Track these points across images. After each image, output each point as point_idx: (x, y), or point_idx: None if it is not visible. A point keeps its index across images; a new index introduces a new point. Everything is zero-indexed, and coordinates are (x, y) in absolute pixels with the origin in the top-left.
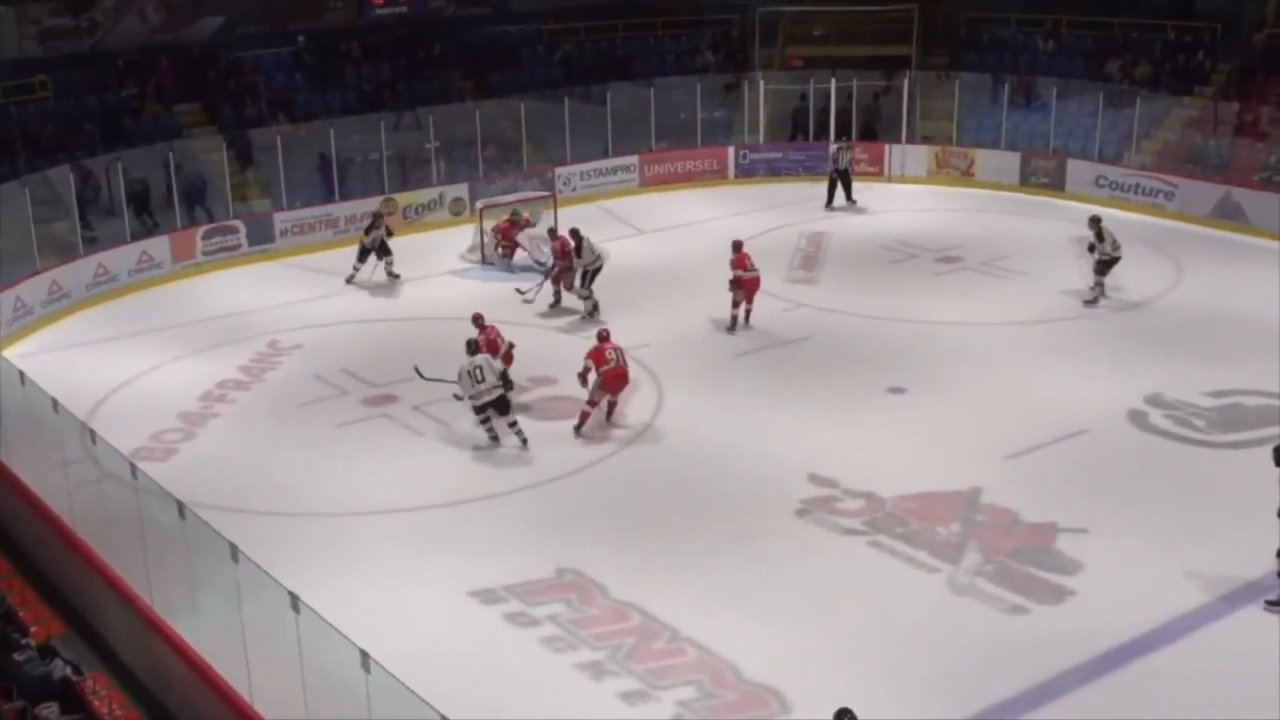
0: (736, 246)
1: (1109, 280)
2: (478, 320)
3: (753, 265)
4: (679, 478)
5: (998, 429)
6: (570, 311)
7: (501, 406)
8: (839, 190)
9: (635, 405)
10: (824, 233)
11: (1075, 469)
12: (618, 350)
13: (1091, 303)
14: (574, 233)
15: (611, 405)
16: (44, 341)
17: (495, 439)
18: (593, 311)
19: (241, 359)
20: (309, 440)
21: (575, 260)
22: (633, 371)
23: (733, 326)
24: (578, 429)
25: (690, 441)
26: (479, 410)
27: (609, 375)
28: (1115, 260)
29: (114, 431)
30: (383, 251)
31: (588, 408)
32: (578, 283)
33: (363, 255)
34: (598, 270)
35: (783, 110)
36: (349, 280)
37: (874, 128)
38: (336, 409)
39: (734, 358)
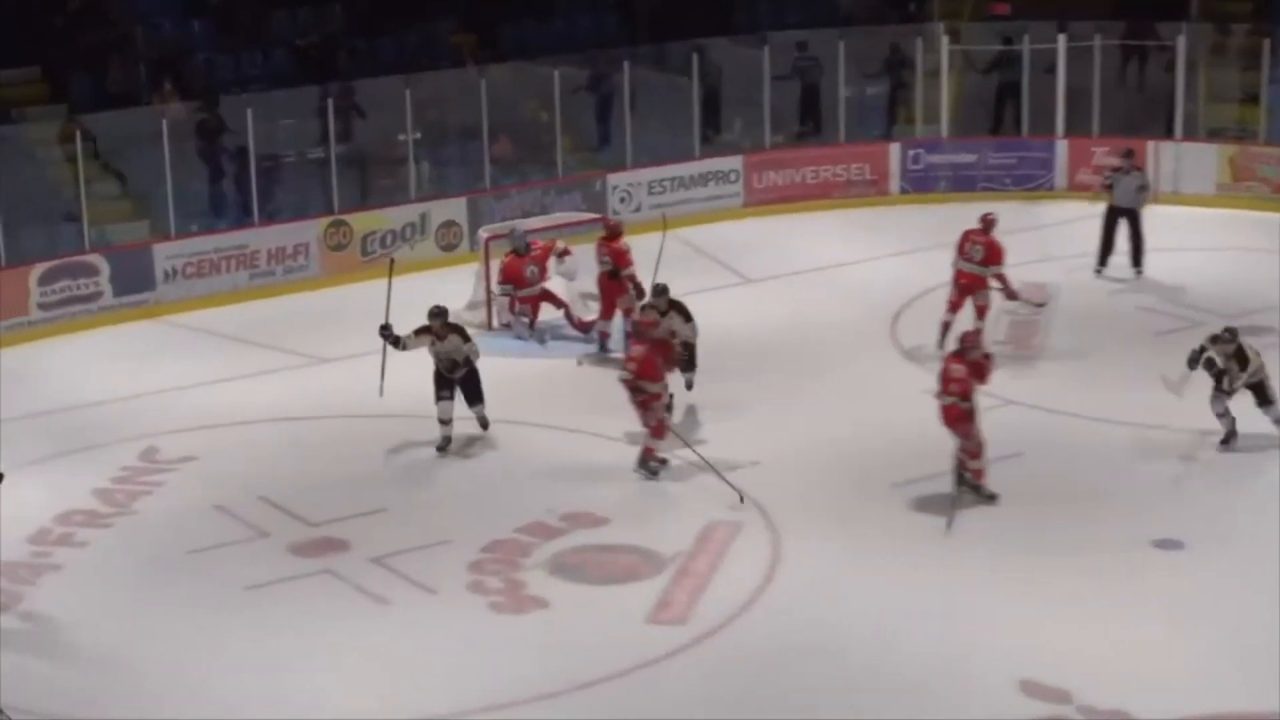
0: (984, 224)
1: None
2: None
3: (974, 255)
4: (803, 681)
5: None
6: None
7: None
8: (1120, 241)
9: (735, 561)
10: (1045, 286)
11: None
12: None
13: (1228, 442)
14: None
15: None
16: None
17: None
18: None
19: (99, 477)
20: (204, 611)
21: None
22: (734, 511)
23: (942, 339)
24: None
25: (821, 622)
26: None
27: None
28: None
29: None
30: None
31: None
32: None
33: (445, 383)
34: None
35: (978, 85)
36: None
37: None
38: (249, 560)
39: (892, 487)
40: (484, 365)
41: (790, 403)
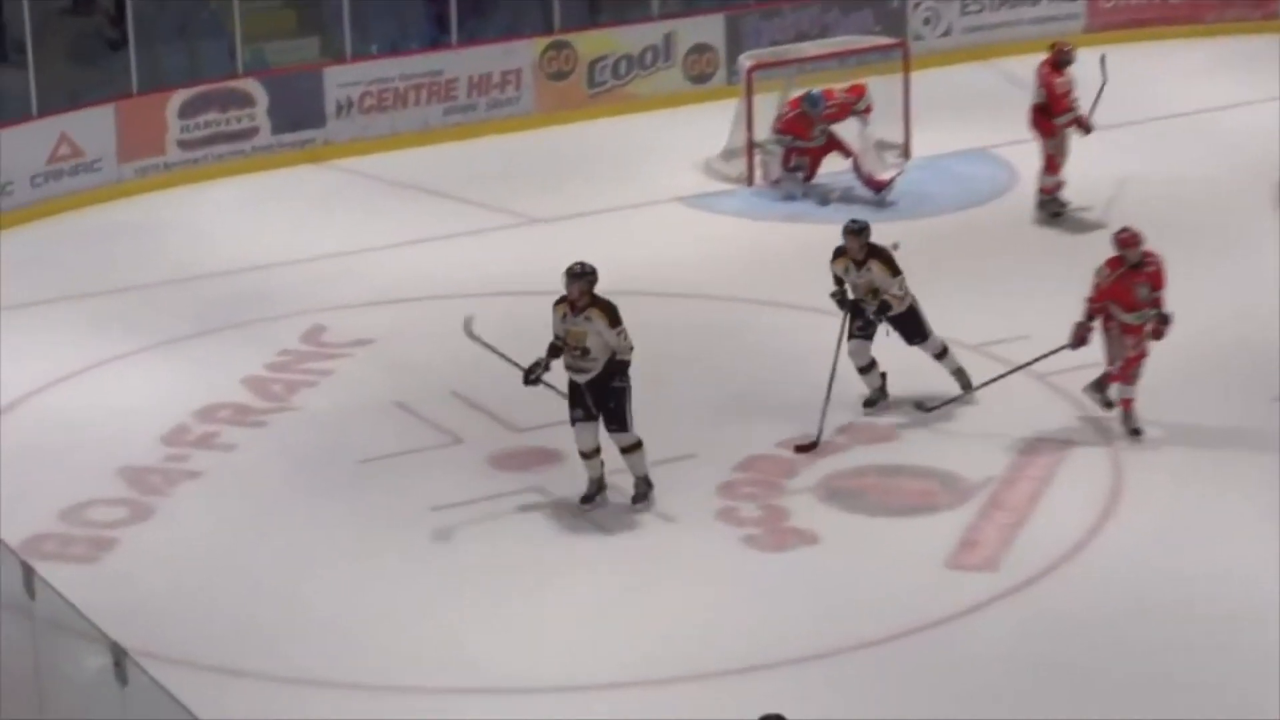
0: None
1: None
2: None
3: None
4: (1141, 648)
5: None
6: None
7: None
8: None
9: (1061, 492)
10: None
11: None
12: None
13: None
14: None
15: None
16: None
17: None
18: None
19: (250, 363)
20: (377, 536)
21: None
22: (1063, 423)
23: None
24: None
25: (1170, 577)
26: None
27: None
28: None
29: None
30: None
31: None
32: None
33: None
34: None
35: None
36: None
37: None
38: (437, 473)
39: (1276, 403)
40: (745, 233)
41: None
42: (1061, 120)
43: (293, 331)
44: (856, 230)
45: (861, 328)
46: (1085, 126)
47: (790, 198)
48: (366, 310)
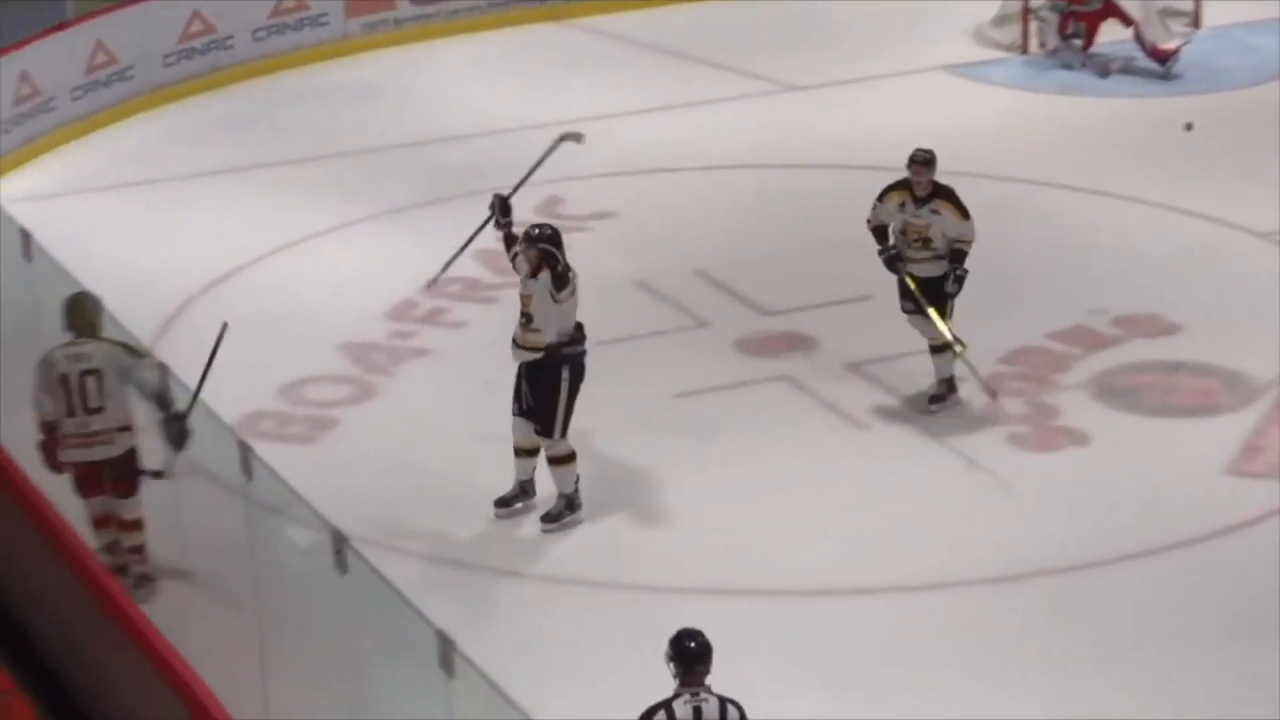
0: None
1: None
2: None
3: None
4: None
5: None
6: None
7: None
8: None
9: None
10: None
11: None
12: None
13: None
14: None
15: None
16: (64, 173)
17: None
18: None
19: (483, 237)
20: (616, 425)
21: None
22: None
23: None
24: None
25: None
26: None
27: None
28: None
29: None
30: None
31: None
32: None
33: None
34: None
35: None
36: None
37: None
38: (679, 358)
39: None
40: (1017, 106)
41: None
42: None
43: (527, 202)
44: (926, 160)
45: (911, 309)
46: None
47: (1067, 68)
48: (607, 181)
